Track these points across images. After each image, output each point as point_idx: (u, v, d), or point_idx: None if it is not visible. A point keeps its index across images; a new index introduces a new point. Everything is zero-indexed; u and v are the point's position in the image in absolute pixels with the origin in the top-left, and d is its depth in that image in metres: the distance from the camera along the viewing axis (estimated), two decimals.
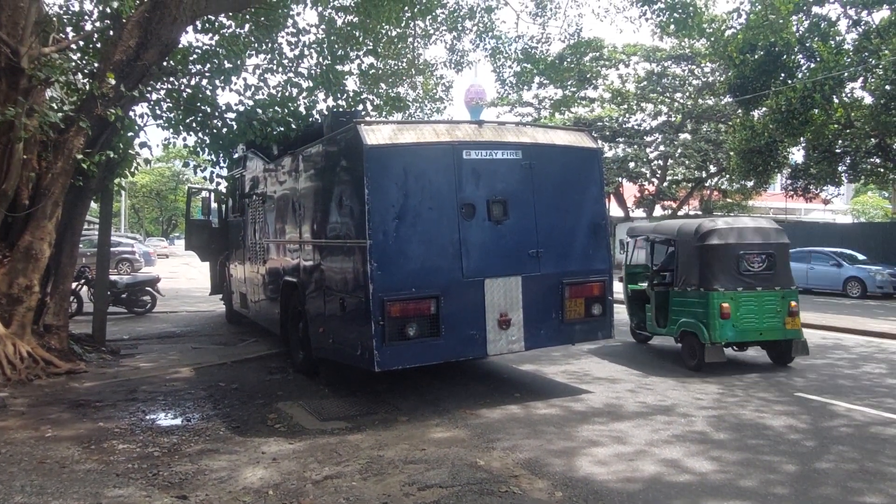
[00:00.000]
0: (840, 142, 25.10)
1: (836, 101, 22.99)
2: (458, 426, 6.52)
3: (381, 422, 6.69)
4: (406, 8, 13.74)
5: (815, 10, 23.11)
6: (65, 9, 10.59)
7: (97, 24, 10.44)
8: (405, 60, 17.99)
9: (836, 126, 24.22)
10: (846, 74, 21.49)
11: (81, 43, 10.44)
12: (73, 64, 10.21)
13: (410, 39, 17.31)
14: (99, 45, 10.47)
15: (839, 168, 26.08)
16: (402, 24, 15.36)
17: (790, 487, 5.01)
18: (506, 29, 20.42)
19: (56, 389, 7.91)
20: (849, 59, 21.54)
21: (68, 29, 10.41)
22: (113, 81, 9.05)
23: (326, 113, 10.88)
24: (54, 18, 9.81)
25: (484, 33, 18.23)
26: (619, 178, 39.11)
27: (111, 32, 9.87)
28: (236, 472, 5.25)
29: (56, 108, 10.01)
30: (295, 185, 8.95)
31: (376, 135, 6.92)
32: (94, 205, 11.50)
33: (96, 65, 9.89)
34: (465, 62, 19.31)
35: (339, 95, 11.91)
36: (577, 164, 8.03)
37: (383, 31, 15.00)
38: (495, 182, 7.36)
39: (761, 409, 7.20)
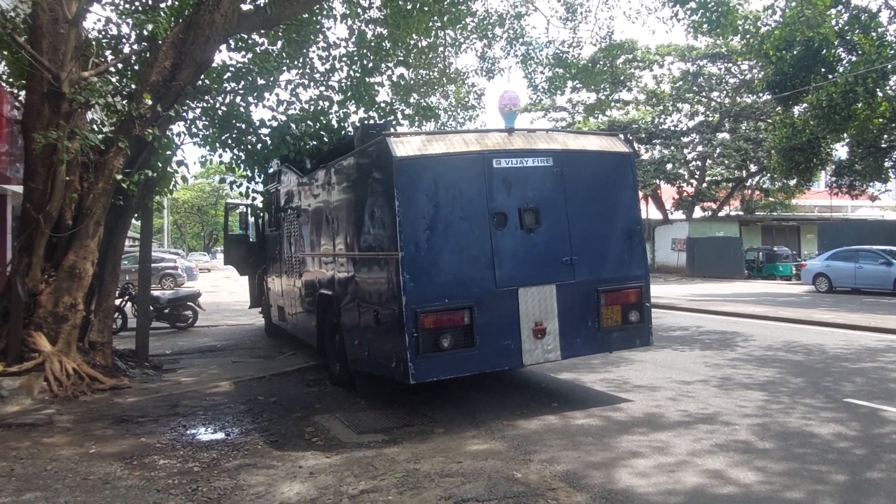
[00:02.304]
0: (885, 136, 24.40)
1: (879, 94, 22.34)
2: (494, 438, 6.45)
3: (418, 434, 6.66)
4: (435, 18, 13.77)
5: (855, 2, 22.55)
6: (103, 33, 10.85)
7: (134, 46, 10.69)
8: (436, 70, 18.05)
9: (880, 120, 23.55)
10: (889, 67, 20.87)
11: (119, 66, 10.69)
12: (112, 86, 10.47)
13: (441, 49, 17.34)
14: (136, 67, 10.73)
15: (885, 163, 25.39)
16: (432, 34, 15.41)
17: (839, 499, 4.83)
18: (536, 34, 20.45)
19: (100, 405, 8.09)
20: (892, 51, 20.92)
21: (107, 52, 10.68)
22: (150, 102, 9.24)
23: (358, 125, 10.97)
24: (93, 43, 10.07)
25: (514, 40, 18.17)
26: (657, 180, 38.60)
27: (147, 54, 10.11)
28: (273, 486, 5.28)
29: (96, 130, 10.29)
30: (328, 198, 9.02)
31: (405, 147, 6.92)
32: (136, 222, 11.75)
33: (133, 86, 10.13)
34: (496, 69, 19.28)
35: (370, 107, 11.99)
36: (610, 169, 7.92)
37: (413, 42, 15.06)
38: (526, 190, 7.29)
39: (808, 416, 6.98)
